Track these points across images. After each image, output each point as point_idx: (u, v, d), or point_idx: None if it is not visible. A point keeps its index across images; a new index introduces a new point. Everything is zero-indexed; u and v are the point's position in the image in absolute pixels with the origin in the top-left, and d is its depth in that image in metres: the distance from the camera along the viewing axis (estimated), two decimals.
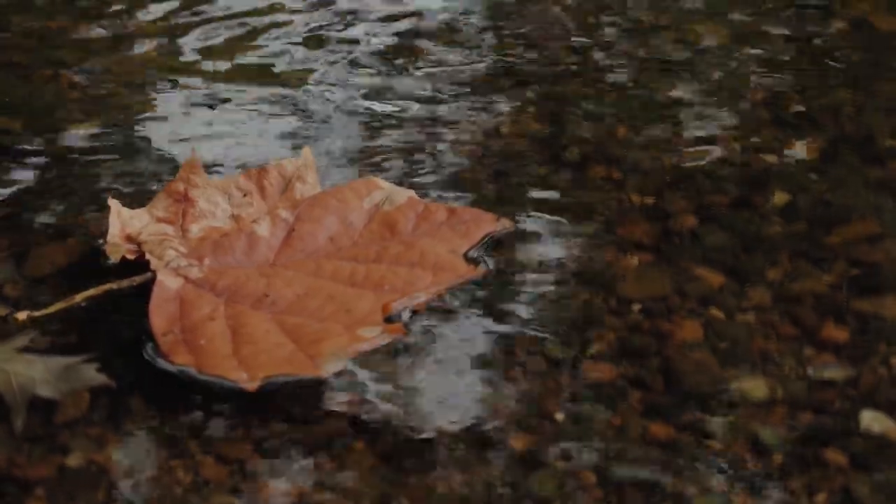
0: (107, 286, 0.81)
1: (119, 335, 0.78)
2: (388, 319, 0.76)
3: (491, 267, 0.83)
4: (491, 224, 0.86)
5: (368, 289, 0.79)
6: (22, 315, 0.79)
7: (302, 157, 0.91)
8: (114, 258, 0.83)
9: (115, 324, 0.79)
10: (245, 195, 0.88)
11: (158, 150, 1.00)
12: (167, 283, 0.79)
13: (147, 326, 0.76)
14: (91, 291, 0.81)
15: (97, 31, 1.25)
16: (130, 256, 0.83)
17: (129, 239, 0.85)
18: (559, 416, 0.70)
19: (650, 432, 0.69)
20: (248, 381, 0.71)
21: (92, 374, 0.73)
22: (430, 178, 0.94)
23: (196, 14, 1.28)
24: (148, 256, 0.82)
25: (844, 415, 0.70)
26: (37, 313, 0.80)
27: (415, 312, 0.79)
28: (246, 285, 0.80)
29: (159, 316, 0.77)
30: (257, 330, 0.75)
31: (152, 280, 0.80)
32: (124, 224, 0.86)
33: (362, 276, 0.80)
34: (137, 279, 0.81)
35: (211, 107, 1.06)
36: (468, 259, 0.83)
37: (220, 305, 0.78)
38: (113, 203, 0.87)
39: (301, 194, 0.89)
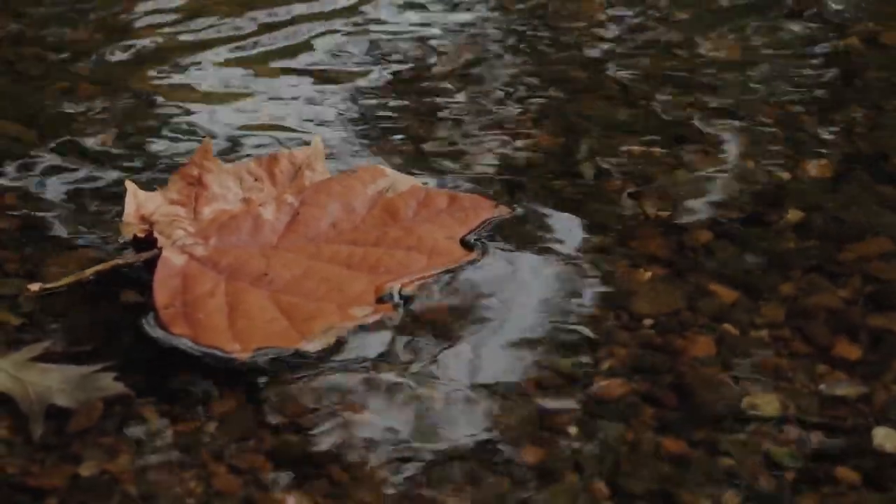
0: (115, 261, 0.84)
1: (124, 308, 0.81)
2: (381, 300, 0.80)
3: (498, 265, 0.84)
4: (489, 210, 0.89)
5: (364, 271, 0.82)
6: (34, 286, 0.82)
7: (312, 145, 0.93)
8: (126, 235, 0.86)
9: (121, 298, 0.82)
10: (256, 180, 0.91)
11: (172, 160, 1.00)
12: (172, 259, 0.82)
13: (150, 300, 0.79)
14: (100, 266, 0.83)
15: (114, 45, 1.25)
16: (141, 234, 0.85)
17: (143, 219, 0.87)
18: (572, 431, 0.70)
19: (663, 447, 0.69)
20: (240, 352, 0.74)
21: (108, 383, 0.73)
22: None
23: (211, 30, 1.29)
24: (156, 234, 0.84)
25: (857, 432, 0.70)
26: (48, 285, 0.82)
27: (406, 297, 0.81)
28: (247, 264, 0.82)
29: (162, 290, 0.80)
30: (253, 306, 0.78)
31: (159, 257, 0.82)
32: (140, 205, 0.89)
33: (359, 258, 0.83)
34: (145, 255, 0.84)
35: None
36: (465, 244, 0.86)
37: (221, 282, 0.81)
38: (129, 185, 0.90)
39: (310, 181, 0.91)
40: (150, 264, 0.83)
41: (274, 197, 0.89)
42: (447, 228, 0.87)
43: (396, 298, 0.80)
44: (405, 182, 0.90)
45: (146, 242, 0.85)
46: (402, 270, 0.82)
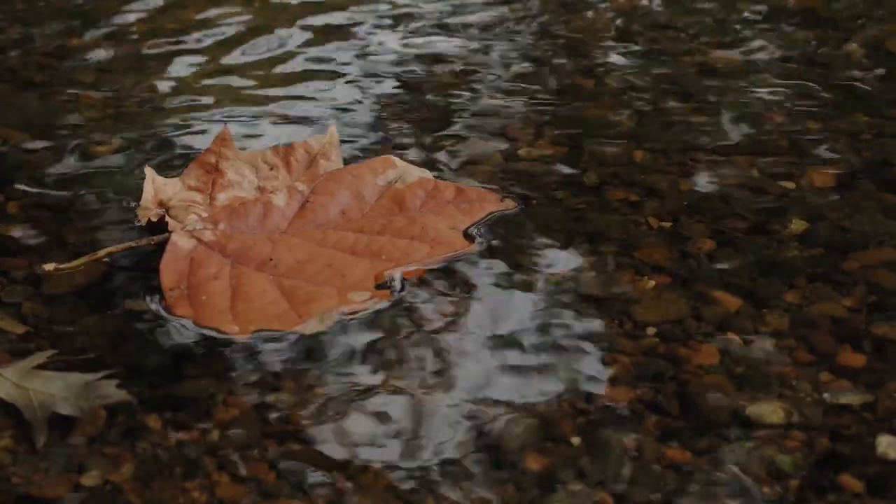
0: (127, 244, 0.86)
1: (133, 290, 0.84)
2: (381, 286, 0.81)
3: (500, 272, 0.84)
4: (495, 203, 0.91)
5: (366, 257, 0.84)
6: (49, 266, 0.84)
7: (328, 135, 0.95)
8: (142, 220, 0.89)
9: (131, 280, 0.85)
10: (271, 168, 0.93)
11: (177, 166, 1.00)
12: (180, 243, 0.84)
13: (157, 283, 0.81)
14: (113, 248, 0.86)
15: (116, 52, 1.26)
16: (154, 219, 0.88)
17: (161, 204, 0.90)
18: (575, 440, 0.70)
19: (666, 456, 0.69)
20: (238, 333, 0.76)
21: (111, 391, 0.73)
22: None
23: (210, 34, 1.29)
24: (167, 219, 0.87)
25: (861, 440, 0.70)
26: (63, 266, 0.85)
27: (405, 279, 0.83)
28: (253, 249, 0.84)
29: (169, 273, 0.82)
30: (256, 289, 0.80)
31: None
32: (157, 191, 0.91)
33: (363, 245, 0.85)
34: (156, 239, 0.86)
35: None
36: (467, 236, 0.88)
37: (227, 266, 0.83)
38: (148, 171, 0.92)
39: (324, 170, 0.92)
40: (162, 244, 0.85)
41: (287, 185, 0.90)
42: (452, 219, 0.88)
43: (396, 286, 0.82)
44: (414, 173, 0.92)
45: (161, 227, 0.87)
46: (404, 258, 0.84)
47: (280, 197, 0.89)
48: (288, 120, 1.09)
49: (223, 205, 0.89)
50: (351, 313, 0.79)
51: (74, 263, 0.85)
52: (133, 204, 0.92)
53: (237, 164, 0.93)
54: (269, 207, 0.88)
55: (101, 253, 0.86)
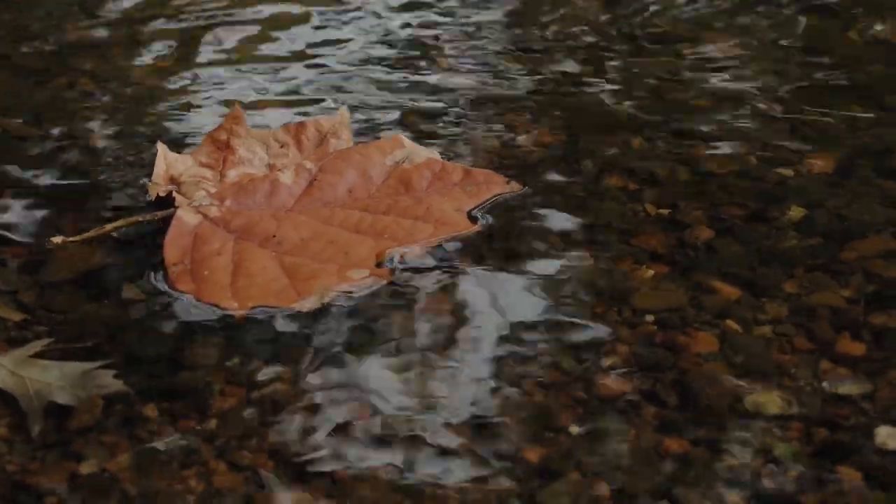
0: (135, 218, 0.87)
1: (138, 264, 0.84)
2: (381, 265, 0.82)
3: (499, 260, 0.84)
4: (501, 186, 0.91)
5: (370, 236, 0.84)
6: (57, 239, 0.85)
7: (339, 114, 0.96)
8: (152, 194, 0.90)
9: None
10: (282, 147, 0.94)
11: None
12: (185, 218, 0.85)
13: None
14: (121, 222, 0.87)
15: (113, 39, 1.25)
16: (163, 194, 0.89)
17: (172, 180, 0.91)
18: (573, 429, 0.70)
19: (665, 446, 0.69)
20: (236, 309, 0.77)
21: (108, 381, 0.73)
22: None
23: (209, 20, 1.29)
24: (175, 195, 0.88)
25: (860, 430, 0.70)
26: (71, 239, 0.85)
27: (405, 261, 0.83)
28: (258, 226, 0.85)
29: (173, 248, 0.83)
30: (257, 265, 0.81)
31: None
32: (169, 166, 0.92)
33: (367, 224, 0.85)
34: (161, 213, 0.87)
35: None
36: (471, 217, 0.88)
37: (230, 242, 0.84)
38: (161, 146, 0.93)
39: (335, 149, 0.93)
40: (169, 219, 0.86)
41: (296, 163, 0.91)
42: (457, 201, 0.89)
43: (395, 264, 0.83)
44: (422, 154, 0.92)
45: (169, 203, 0.88)
46: (407, 238, 0.84)
47: (287, 175, 0.89)
48: (287, 105, 1.09)
49: (232, 181, 0.90)
50: (349, 293, 0.79)
51: (82, 236, 0.86)
52: (145, 181, 0.93)
53: (249, 141, 0.94)
54: (276, 185, 0.89)
55: (109, 227, 0.86)
